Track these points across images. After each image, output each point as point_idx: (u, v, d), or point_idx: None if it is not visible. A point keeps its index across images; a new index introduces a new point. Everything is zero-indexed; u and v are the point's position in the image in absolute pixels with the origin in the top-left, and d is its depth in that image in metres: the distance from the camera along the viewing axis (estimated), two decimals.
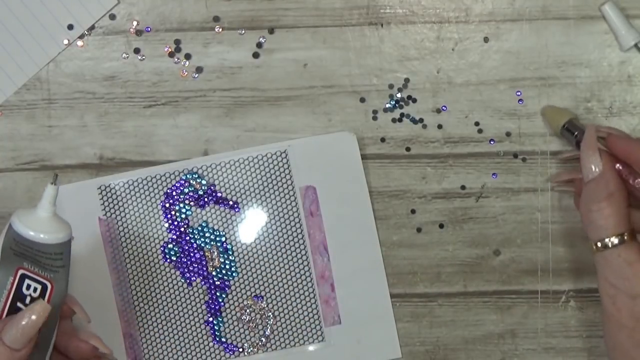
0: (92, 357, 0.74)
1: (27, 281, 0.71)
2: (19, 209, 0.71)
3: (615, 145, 0.75)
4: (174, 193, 0.82)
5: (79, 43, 0.82)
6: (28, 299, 0.70)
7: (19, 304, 0.71)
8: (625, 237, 0.72)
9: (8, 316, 0.70)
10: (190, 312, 0.82)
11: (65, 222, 0.72)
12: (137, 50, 0.82)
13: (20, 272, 0.71)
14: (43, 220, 0.72)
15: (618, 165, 0.75)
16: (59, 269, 0.72)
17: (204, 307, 0.82)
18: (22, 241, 0.71)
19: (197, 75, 0.82)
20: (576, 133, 0.79)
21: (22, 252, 0.71)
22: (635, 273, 0.71)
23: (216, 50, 0.82)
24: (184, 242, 0.82)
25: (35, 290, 0.71)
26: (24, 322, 0.68)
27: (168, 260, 0.82)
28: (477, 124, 0.83)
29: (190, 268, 0.82)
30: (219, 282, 0.82)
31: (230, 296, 0.82)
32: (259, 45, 0.82)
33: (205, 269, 0.82)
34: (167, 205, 0.82)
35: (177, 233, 0.82)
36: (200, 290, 0.82)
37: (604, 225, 0.73)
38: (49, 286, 0.71)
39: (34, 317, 0.69)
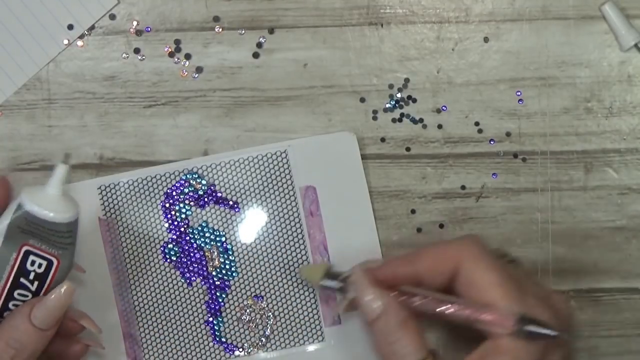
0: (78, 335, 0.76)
1: (31, 257, 0.73)
2: (27, 187, 0.73)
3: (379, 277, 0.74)
4: (174, 193, 0.82)
5: (79, 43, 0.82)
6: (32, 275, 0.73)
7: (22, 280, 0.73)
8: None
9: (35, 297, 0.73)
10: (190, 312, 0.82)
11: (74, 200, 0.74)
12: (137, 50, 0.82)
13: (25, 248, 0.73)
14: (53, 199, 0.74)
15: (393, 294, 0.73)
16: (67, 246, 0.74)
17: (204, 307, 0.82)
18: (32, 219, 0.73)
19: (197, 75, 0.82)
20: (338, 282, 0.77)
21: (31, 230, 0.73)
22: None
23: (216, 50, 0.82)
24: (184, 242, 0.82)
25: (40, 266, 0.73)
26: (52, 304, 0.72)
27: (168, 260, 0.82)
28: (477, 124, 0.83)
29: (190, 268, 0.82)
30: (219, 282, 0.82)
31: (230, 296, 0.82)
32: (259, 45, 0.82)
33: (205, 269, 0.82)
34: (167, 205, 0.82)
35: (177, 233, 0.82)
36: (200, 290, 0.82)
37: (406, 353, 0.71)
38: (55, 262, 0.74)
39: (61, 299, 0.72)
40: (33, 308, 0.72)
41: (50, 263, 0.74)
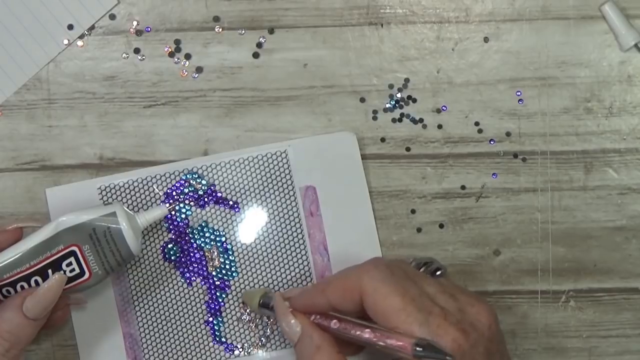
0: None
1: (72, 259, 0.75)
2: (121, 203, 0.77)
3: (298, 304, 0.75)
4: (174, 193, 0.82)
5: (79, 43, 0.82)
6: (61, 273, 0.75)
7: (49, 271, 0.75)
8: None
9: (27, 290, 0.74)
10: (190, 312, 0.82)
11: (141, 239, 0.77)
12: (137, 50, 0.82)
13: (73, 248, 0.74)
14: (139, 230, 0.76)
15: (313, 317, 0.74)
16: (108, 272, 0.76)
17: (204, 307, 0.82)
18: (114, 232, 0.75)
19: (197, 75, 0.82)
20: (271, 305, 0.78)
21: (98, 238, 0.75)
22: None
23: (216, 50, 0.82)
24: (184, 242, 0.82)
25: (72, 271, 0.75)
26: (43, 296, 0.73)
27: (168, 260, 0.82)
28: (477, 124, 0.83)
29: (190, 268, 0.82)
30: (219, 282, 0.82)
31: (230, 296, 0.82)
32: (259, 45, 0.82)
33: (205, 269, 0.82)
34: (167, 205, 0.82)
35: (177, 233, 0.82)
36: (200, 290, 0.82)
37: None
38: (86, 276, 0.75)
39: (53, 289, 0.73)
40: (25, 300, 0.73)
41: (81, 274, 0.75)
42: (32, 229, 0.75)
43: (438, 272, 0.75)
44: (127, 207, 0.81)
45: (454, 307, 0.71)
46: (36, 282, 0.74)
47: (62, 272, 0.74)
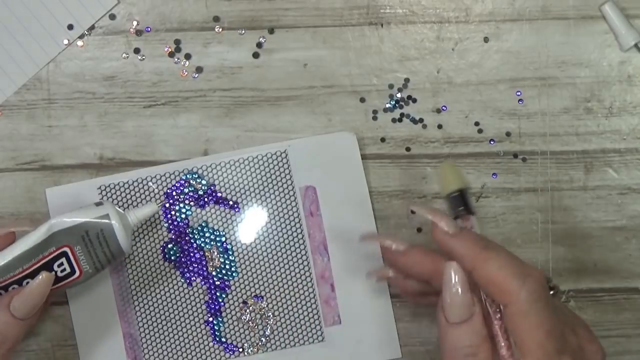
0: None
1: (63, 259, 0.74)
2: (112, 203, 0.76)
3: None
4: (174, 193, 0.82)
5: (79, 43, 0.82)
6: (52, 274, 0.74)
7: (40, 273, 0.74)
8: None
9: (15, 289, 0.74)
10: (190, 312, 0.82)
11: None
12: (137, 50, 0.82)
13: (65, 249, 0.74)
14: (130, 229, 0.76)
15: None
16: (98, 270, 0.75)
17: (204, 307, 0.82)
18: (107, 232, 0.75)
19: (197, 75, 0.82)
20: (461, 208, 0.72)
21: (90, 238, 0.75)
22: None
23: (216, 50, 0.82)
24: (184, 242, 0.82)
25: (63, 271, 0.75)
26: (31, 295, 0.73)
27: (168, 260, 0.82)
28: (477, 124, 0.83)
29: (190, 268, 0.82)
30: (219, 282, 0.82)
31: (230, 296, 0.82)
32: (259, 45, 0.82)
33: (205, 269, 0.82)
34: (167, 205, 0.82)
35: (177, 233, 0.82)
36: (200, 290, 0.82)
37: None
38: (77, 274, 0.75)
39: (41, 288, 0.73)
40: (12, 299, 0.73)
41: (72, 273, 0.75)
42: (25, 231, 0.75)
43: (551, 292, 0.70)
44: (127, 207, 0.81)
45: (576, 344, 0.68)
46: (27, 283, 0.74)
47: (51, 271, 0.74)
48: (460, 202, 0.73)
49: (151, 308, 0.82)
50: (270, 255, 0.82)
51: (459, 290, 0.68)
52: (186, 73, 0.83)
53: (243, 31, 0.82)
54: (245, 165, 0.82)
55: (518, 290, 0.66)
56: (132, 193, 0.82)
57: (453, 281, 0.68)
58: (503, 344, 0.68)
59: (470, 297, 0.68)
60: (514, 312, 0.66)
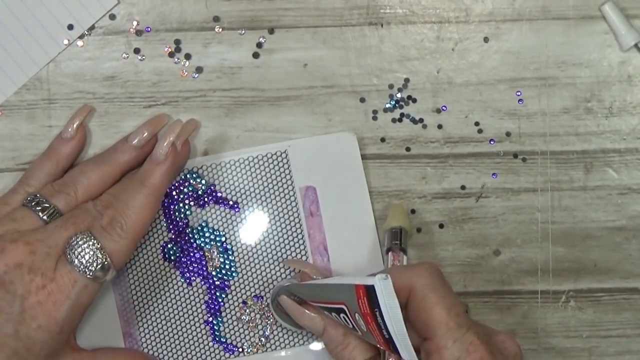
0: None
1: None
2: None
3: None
4: (174, 193, 0.82)
5: (79, 43, 0.82)
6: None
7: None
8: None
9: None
10: (190, 312, 0.82)
11: None
12: (137, 50, 0.82)
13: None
14: None
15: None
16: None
17: (203, 307, 0.82)
18: None
19: (197, 75, 0.82)
20: (396, 242, 0.79)
21: None
22: None
23: (216, 50, 0.82)
24: (183, 242, 0.82)
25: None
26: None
27: (168, 260, 0.82)
28: (477, 124, 0.83)
29: (190, 268, 0.82)
30: (218, 282, 0.82)
31: (230, 296, 0.82)
32: (259, 45, 0.82)
33: (205, 269, 0.82)
34: (167, 204, 0.82)
35: (177, 233, 0.82)
36: (200, 290, 0.82)
37: (356, 354, 0.75)
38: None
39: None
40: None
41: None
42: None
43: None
44: None
45: (483, 331, 0.72)
46: None
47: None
48: (397, 238, 0.79)
49: (151, 308, 0.82)
50: (270, 255, 0.82)
51: (299, 319, 0.78)
52: (186, 73, 0.83)
53: (243, 31, 0.82)
54: (245, 165, 0.82)
55: (409, 283, 0.72)
56: None
57: (294, 315, 0.78)
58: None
59: (312, 319, 0.77)
60: (414, 299, 0.72)
